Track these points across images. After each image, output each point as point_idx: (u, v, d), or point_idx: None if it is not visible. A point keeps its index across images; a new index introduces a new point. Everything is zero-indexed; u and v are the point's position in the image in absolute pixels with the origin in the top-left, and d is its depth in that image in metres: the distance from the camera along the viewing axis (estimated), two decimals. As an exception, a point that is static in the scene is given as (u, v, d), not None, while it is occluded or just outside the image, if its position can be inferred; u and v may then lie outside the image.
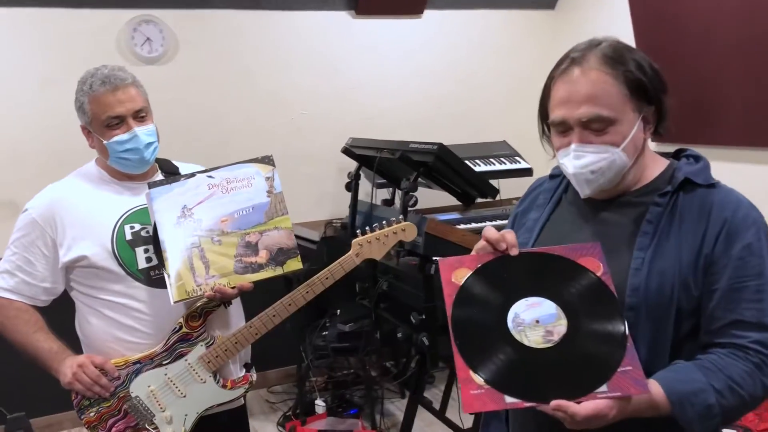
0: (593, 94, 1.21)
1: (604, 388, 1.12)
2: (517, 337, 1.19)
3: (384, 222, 1.90)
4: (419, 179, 2.55)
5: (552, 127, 1.30)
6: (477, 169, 3.72)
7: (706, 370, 1.18)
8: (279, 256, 1.77)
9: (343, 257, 1.87)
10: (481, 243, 1.28)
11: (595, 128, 1.22)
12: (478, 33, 4.40)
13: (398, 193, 3.83)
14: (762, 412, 3.30)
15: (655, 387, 1.16)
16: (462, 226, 3.54)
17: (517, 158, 4.09)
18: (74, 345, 1.87)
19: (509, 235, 1.26)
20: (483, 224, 3.62)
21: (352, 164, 3.77)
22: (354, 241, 1.88)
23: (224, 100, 3.84)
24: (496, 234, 1.26)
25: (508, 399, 1.14)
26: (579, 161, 1.24)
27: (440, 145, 2.39)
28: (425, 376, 3.21)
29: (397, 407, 3.77)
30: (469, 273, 1.25)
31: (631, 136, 1.23)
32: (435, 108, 4.34)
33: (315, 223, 3.92)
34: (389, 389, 3.91)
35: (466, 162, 3.05)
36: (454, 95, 4.37)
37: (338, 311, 3.51)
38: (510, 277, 1.24)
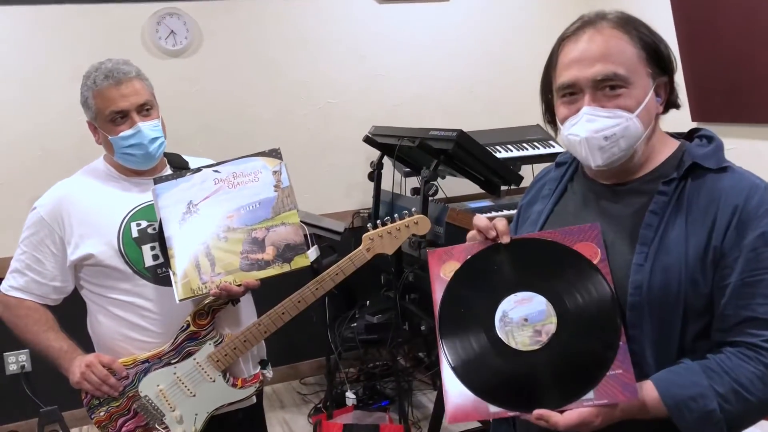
0: (608, 52, 1.14)
1: (590, 395, 1.07)
2: (504, 338, 1.14)
3: (396, 215, 1.83)
4: (441, 167, 2.46)
5: (559, 95, 1.21)
6: (509, 154, 3.62)
7: (710, 372, 1.09)
8: (286, 252, 1.72)
9: (354, 252, 1.81)
10: (472, 232, 1.23)
11: (609, 89, 1.14)
12: (509, 14, 4.26)
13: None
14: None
15: (650, 390, 1.09)
16: (493, 214, 3.45)
17: (552, 143, 3.96)
18: (87, 344, 1.87)
19: (500, 223, 1.21)
20: (513, 211, 3.52)
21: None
22: (365, 235, 1.82)
23: (250, 91, 3.80)
24: (486, 222, 1.21)
25: (492, 408, 1.11)
26: (592, 125, 1.15)
27: (460, 132, 2.30)
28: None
29: (429, 399, 3.71)
30: (458, 266, 1.19)
31: (645, 103, 1.15)
32: (466, 93, 4.23)
33: (343, 214, 3.87)
34: (421, 380, 3.85)
35: (492, 147, 2.95)
36: (485, 79, 4.25)
37: (368, 302, 3.46)
38: (499, 269, 1.18)
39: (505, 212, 3.48)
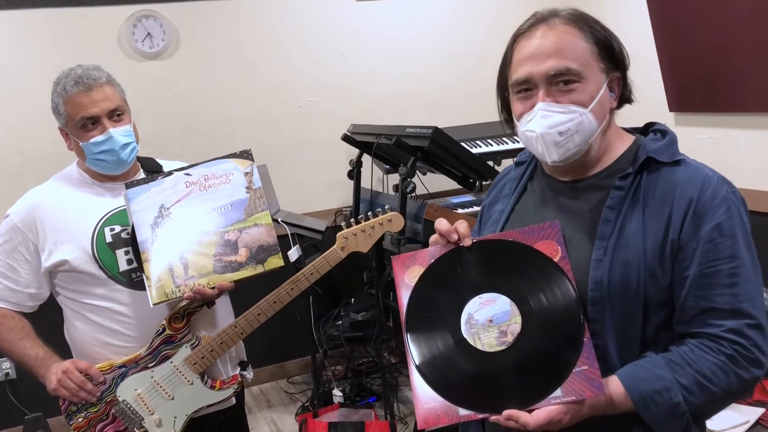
0: (560, 47, 1.15)
1: (558, 392, 1.07)
2: (471, 341, 1.14)
3: (369, 213, 1.84)
4: (419, 164, 2.47)
5: (514, 91, 1.21)
6: (489, 149, 3.63)
7: (674, 365, 1.11)
8: (259, 253, 1.72)
9: (328, 251, 1.81)
10: (434, 236, 1.23)
11: (563, 84, 1.15)
12: (486, 9, 4.27)
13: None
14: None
15: (616, 386, 1.10)
16: (475, 209, 3.46)
17: (532, 136, 3.97)
18: (64, 350, 1.86)
19: (461, 226, 1.21)
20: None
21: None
22: (339, 234, 1.82)
23: (229, 92, 3.80)
24: (447, 225, 1.21)
25: (462, 411, 1.11)
26: (546, 120, 1.15)
27: (435, 129, 2.31)
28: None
29: (416, 395, 3.72)
30: (422, 271, 1.20)
31: (599, 98, 1.16)
32: (446, 89, 4.23)
33: (326, 212, 3.87)
34: (408, 376, 3.86)
35: (473, 142, 2.96)
36: (464, 74, 4.25)
37: (352, 300, 3.47)
38: (463, 272, 1.19)
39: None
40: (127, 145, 1.78)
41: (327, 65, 3.98)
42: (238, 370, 1.94)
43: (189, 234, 1.73)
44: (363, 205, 2.92)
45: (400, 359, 3.95)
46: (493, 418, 1.10)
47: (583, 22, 1.18)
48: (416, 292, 1.20)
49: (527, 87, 1.18)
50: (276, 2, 3.83)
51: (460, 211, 2.99)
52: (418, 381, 1.15)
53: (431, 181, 3.79)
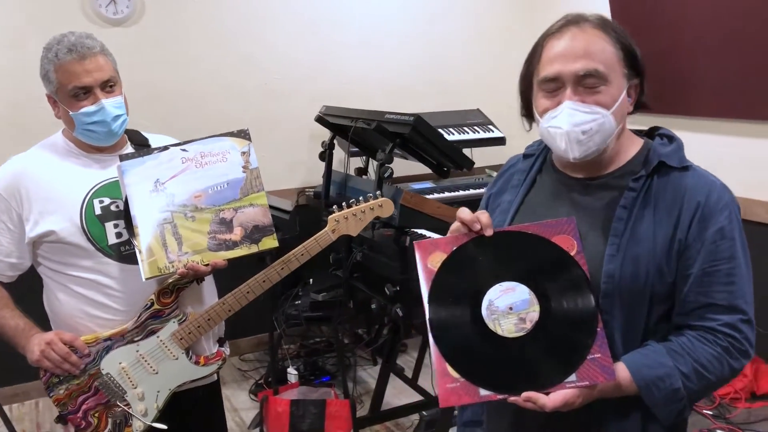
0: (590, 50, 1.21)
1: (573, 377, 1.16)
2: (491, 326, 1.20)
3: (361, 198, 1.87)
4: (394, 150, 2.52)
5: (540, 88, 1.27)
6: (451, 137, 3.70)
7: (674, 353, 1.20)
8: (254, 233, 1.74)
9: (319, 233, 1.84)
10: (456, 224, 1.28)
11: (590, 85, 1.21)
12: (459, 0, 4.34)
13: (372, 163, 3.81)
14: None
15: (622, 371, 1.20)
16: (435, 196, 3.53)
17: (491, 127, 4.07)
18: (41, 321, 1.83)
19: (483, 216, 1.26)
20: (456, 193, 3.63)
21: (324, 131, 3.71)
22: (330, 216, 1.85)
23: (194, 64, 3.73)
24: (471, 215, 1.26)
25: (483, 392, 1.18)
26: (572, 118, 1.21)
27: (417, 117, 2.36)
28: (398, 344, 3.23)
29: (369, 374, 3.80)
30: (444, 257, 1.25)
31: (620, 101, 1.23)
32: (411, 75, 4.27)
33: (287, 191, 3.87)
34: (361, 356, 3.93)
35: (442, 133, 3.02)
36: (430, 62, 4.31)
37: (311, 280, 3.50)
38: (484, 260, 1.24)
39: (446, 194, 3.58)
40: (118, 116, 1.75)
41: (296, 43, 3.96)
42: (217, 347, 1.96)
43: (184, 210, 1.73)
44: (333, 186, 2.95)
45: (353, 339, 4.02)
46: (512, 399, 1.16)
47: (610, 27, 1.25)
48: (438, 278, 1.23)
49: (555, 85, 1.24)
50: (247, -25, 3.79)
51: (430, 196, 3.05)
52: (438, 361, 1.20)
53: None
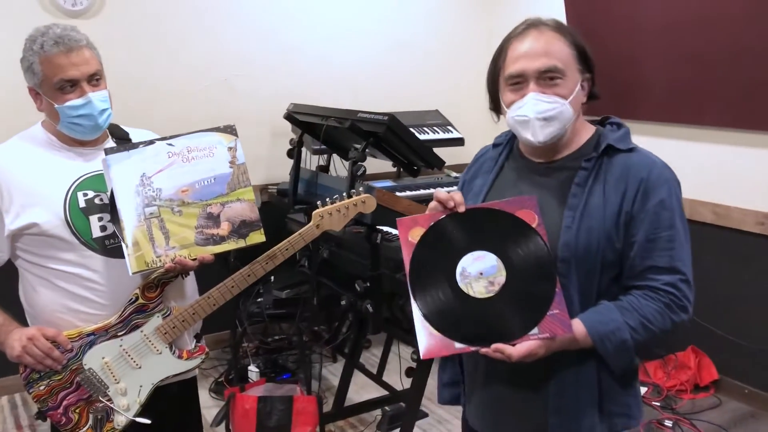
0: (549, 49, 1.40)
1: (535, 330, 1.34)
2: (464, 289, 1.38)
3: (344, 194, 1.91)
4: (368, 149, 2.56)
5: (507, 83, 1.45)
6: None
7: (623, 310, 1.38)
8: (241, 228, 1.76)
9: (304, 228, 1.87)
10: (433, 203, 1.44)
11: (549, 78, 1.40)
12: (416, 1, 4.40)
13: (333, 161, 3.84)
14: (670, 370, 3.57)
15: (579, 326, 1.38)
16: (398, 194, 3.59)
17: (449, 128, 4.16)
18: (17, 316, 1.80)
19: (457, 195, 1.43)
20: (417, 192, 3.69)
21: (285, 128, 3.72)
22: (315, 212, 1.88)
23: (153, 60, 3.69)
24: (446, 194, 1.43)
25: (457, 345, 1.36)
26: (536, 107, 1.40)
27: (391, 116, 2.41)
28: (362, 340, 3.28)
29: (329, 371, 3.83)
30: (423, 231, 1.41)
31: (576, 92, 1.42)
32: (371, 75, 4.33)
33: (248, 189, 3.85)
34: (321, 354, 3.95)
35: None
36: (390, 63, 4.37)
37: (272, 278, 3.50)
38: (458, 233, 1.41)
39: (407, 192, 3.64)
40: (104, 110, 1.75)
41: (254, 41, 3.96)
42: (195, 342, 1.96)
43: (170, 204, 1.73)
44: (301, 184, 2.97)
45: (312, 337, 4.03)
46: (483, 350, 1.35)
47: (565, 30, 1.46)
48: (418, 249, 1.42)
49: (519, 80, 1.43)
50: (208, -27, 3.76)
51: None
52: (420, 321, 1.39)
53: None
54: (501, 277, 1.37)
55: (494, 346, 1.33)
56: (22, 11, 3.32)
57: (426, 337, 1.37)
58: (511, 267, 1.37)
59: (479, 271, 1.38)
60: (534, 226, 1.37)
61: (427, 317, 1.38)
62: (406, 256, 1.42)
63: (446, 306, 1.38)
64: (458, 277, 1.39)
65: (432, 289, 1.40)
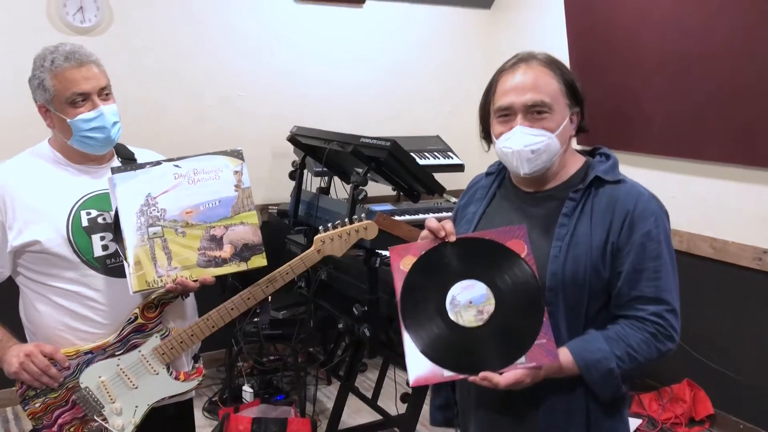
0: (537, 84, 1.43)
1: (522, 359, 1.35)
2: (453, 317, 1.40)
3: (346, 220, 1.92)
4: (370, 173, 2.58)
5: (496, 115, 1.48)
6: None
7: (610, 339, 1.40)
8: (244, 251, 1.76)
9: (305, 253, 1.88)
10: (424, 232, 1.47)
11: (537, 113, 1.42)
12: (417, 27, 4.45)
13: (334, 183, 3.85)
14: (665, 403, 3.57)
15: (565, 355, 1.39)
16: (397, 218, 3.60)
17: (450, 153, 4.19)
18: (16, 333, 1.80)
19: (447, 224, 1.45)
20: (416, 216, 3.71)
21: (287, 149, 3.74)
22: (316, 237, 1.89)
23: (157, 78, 3.72)
24: (437, 224, 1.45)
25: (446, 373, 1.37)
26: (523, 140, 1.42)
27: (393, 142, 2.43)
28: (358, 364, 3.27)
29: (323, 394, 3.81)
30: (414, 260, 1.44)
31: (563, 126, 1.44)
32: (371, 99, 4.36)
33: (248, 208, 3.86)
34: (316, 376, 3.93)
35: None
36: (391, 87, 4.41)
37: (269, 298, 3.50)
38: (449, 261, 1.43)
39: (407, 216, 3.66)
40: (115, 123, 1.77)
41: (258, 62, 3.99)
42: (192, 363, 1.96)
43: (174, 225, 1.74)
44: (302, 206, 2.98)
45: (306, 358, 4.02)
46: (471, 378, 1.36)
47: (555, 65, 1.47)
48: (409, 278, 1.44)
49: (508, 113, 1.45)
50: (215, -7, 3.81)
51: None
52: (410, 348, 1.40)
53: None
54: (490, 306, 1.39)
55: (482, 374, 1.35)
56: (34, 30, 3.36)
57: (415, 364, 1.39)
58: (500, 296, 1.39)
59: (468, 300, 1.40)
60: (523, 255, 1.39)
61: (416, 345, 1.40)
62: (398, 284, 1.44)
63: (436, 334, 1.40)
64: (448, 306, 1.40)
65: (422, 317, 1.41)
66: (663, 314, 1.40)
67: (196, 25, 3.78)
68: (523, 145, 1.42)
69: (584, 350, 1.39)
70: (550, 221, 1.47)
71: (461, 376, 1.38)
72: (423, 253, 1.44)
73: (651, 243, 1.40)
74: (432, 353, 1.39)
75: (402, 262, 1.44)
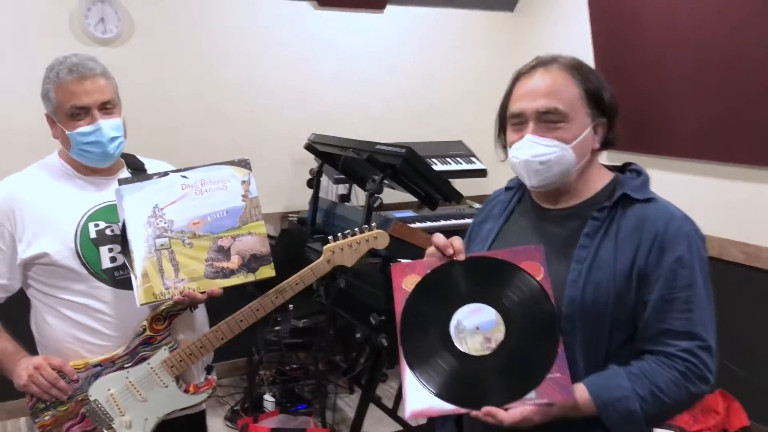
0: (552, 90, 1.31)
1: (532, 394, 1.21)
2: (458, 344, 1.28)
3: (356, 229, 1.89)
4: (386, 181, 2.55)
5: (509, 122, 1.38)
6: (433, 168, 3.74)
7: (633, 376, 1.25)
8: (251, 262, 1.74)
9: (315, 263, 1.85)
10: (431, 249, 1.35)
11: (550, 121, 1.30)
12: (439, 31, 4.40)
13: (354, 190, 3.83)
14: (696, 414, 3.45)
15: (582, 392, 1.24)
16: (417, 225, 3.56)
17: (473, 158, 4.13)
18: (28, 345, 1.80)
19: (456, 242, 1.34)
20: (438, 223, 3.66)
21: (307, 156, 3.72)
22: (326, 247, 1.86)
23: (179, 86, 3.73)
24: (444, 240, 1.34)
25: (447, 406, 1.25)
26: (531, 150, 1.31)
27: (408, 149, 2.39)
28: (378, 373, 3.23)
29: (345, 403, 3.78)
30: (418, 279, 1.32)
31: (582, 138, 1.32)
32: (393, 104, 4.32)
33: (268, 216, 3.81)
34: (338, 385, 3.91)
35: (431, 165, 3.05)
36: (412, 92, 4.37)
37: (291, 306, 3.48)
38: (455, 283, 1.32)
39: (428, 223, 3.61)
40: (114, 138, 1.75)
41: (280, 69, 3.98)
42: (205, 375, 1.94)
43: (181, 237, 1.72)
44: (320, 214, 2.96)
45: (329, 367, 3.99)
46: (474, 413, 1.23)
47: (577, 70, 1.34)
48: (412, 298, 1.32)
49: (520, 120, 1.34)
50: (235, 1, 3.80)
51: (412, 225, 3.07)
52: (408, 376, 1.28)
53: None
54: (499, 334, 1.26)
55: (485, 409, 1.21)
56: (56, 40, 3.39)
57: (413, 394, 1.26)
58: (511, 323, 1.26)
59: (475, 326, 1.28)
60: (539, 278, 1.27)
61: (415, 372, 1.27)
62: (398, 305, 1.32)
63: (437, 361, 1.27)
64: (452, 331, 1.28)
65: (423, 342, 1.29)
66: (695, 351, 1.24)
67: (217, 36, 3.79)
68: (531, 155, 1.31)
69: (603, 387, 1.24)
70: (570, 242, 1.33)
71: (463, 410, 1.25)
72: (428, 272, 1.33)
73: (683, 270, 1.25)
74: (431, 383, 1.26)
75: (405, 281, 1.33)
